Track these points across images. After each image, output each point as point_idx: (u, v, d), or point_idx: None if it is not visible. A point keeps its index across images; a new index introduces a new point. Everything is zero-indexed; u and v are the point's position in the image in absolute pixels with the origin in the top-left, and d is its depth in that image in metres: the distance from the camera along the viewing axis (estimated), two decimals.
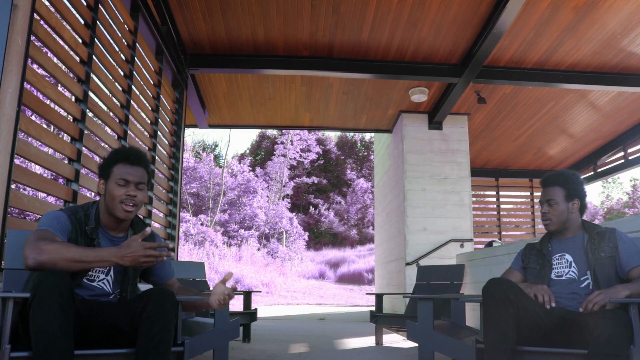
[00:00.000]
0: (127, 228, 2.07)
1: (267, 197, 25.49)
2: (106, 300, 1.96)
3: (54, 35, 2.78)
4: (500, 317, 1.99)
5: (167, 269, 2.19)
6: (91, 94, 3.23)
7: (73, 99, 3.10)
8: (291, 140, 28.27)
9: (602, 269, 2.18)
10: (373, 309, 6.80)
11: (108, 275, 1.98)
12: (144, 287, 2.08)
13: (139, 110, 4.20)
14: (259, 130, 32.92)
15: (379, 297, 5.00)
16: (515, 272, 2.51)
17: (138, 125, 4.17)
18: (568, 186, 2.36)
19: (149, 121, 4.48)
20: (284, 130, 28.23)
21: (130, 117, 3.93)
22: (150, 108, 4.53)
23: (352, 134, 32.97)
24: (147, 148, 4.46)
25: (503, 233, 10.18)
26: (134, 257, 1.79)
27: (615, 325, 1.85)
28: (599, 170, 9.39)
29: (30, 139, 6.26)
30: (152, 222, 4.54)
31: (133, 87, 3.99)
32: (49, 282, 1.65)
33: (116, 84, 3.76)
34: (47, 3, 2.71)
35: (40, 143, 2.88)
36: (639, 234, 2.59)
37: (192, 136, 29.06)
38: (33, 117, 7.68)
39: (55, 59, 2.84)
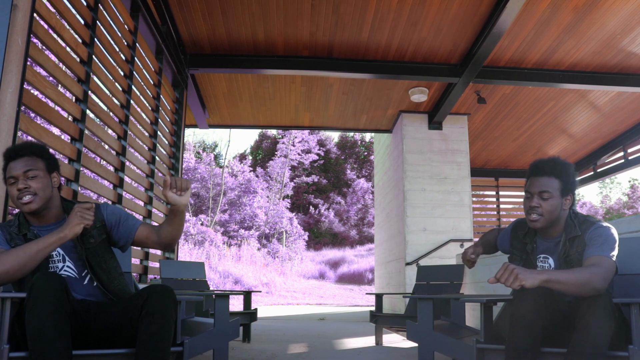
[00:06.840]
0: (58, 215, 1.99)
1: (268, 197, 25.49)
2: (90, 295, 1.93)
3: (54, 35, 2.79)
4: (533, 321, 1.87)
5: (128, 224, 2.04)
6: (91, 94, 3.23)
7: (73, 99, 3.10)
8: (292, 142, 28.26)
9: None
10: (373, 309, 6.80)
11: (65, 261, 1.94)
12: (141, 285, 2.08)
13: (139, 110, 4.20)
14: (260, 130, 32.92)
15: (378, 297, 5.00)
16: (494, 233, 2.44)
17: (138, 125, 4.17)
18: (565, 178, 2.03)
19: (149, 121, 4.48)
20: (285, 132, 28.23)
21: (130, 117, 3.93)
22: (150, 108, 4.54)
23: (352, 134, 32.98)
24: (147, 148, 4.46)
25: None
26: (71, 221, 1.81)
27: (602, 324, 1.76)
28: (598, 170, 9.39)
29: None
30: (152, 222, 4.53)
31: (133, 87, 3.99)
32: (43, 284, 1.65)
33: (116, 84, 3.76)
34: (47, 3, 2.71)
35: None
36: (639, 234, 2.59)
37: (192, 136, 29.06)
38: (35, 118, 7.66)
39: (55, 59, 2.84)
